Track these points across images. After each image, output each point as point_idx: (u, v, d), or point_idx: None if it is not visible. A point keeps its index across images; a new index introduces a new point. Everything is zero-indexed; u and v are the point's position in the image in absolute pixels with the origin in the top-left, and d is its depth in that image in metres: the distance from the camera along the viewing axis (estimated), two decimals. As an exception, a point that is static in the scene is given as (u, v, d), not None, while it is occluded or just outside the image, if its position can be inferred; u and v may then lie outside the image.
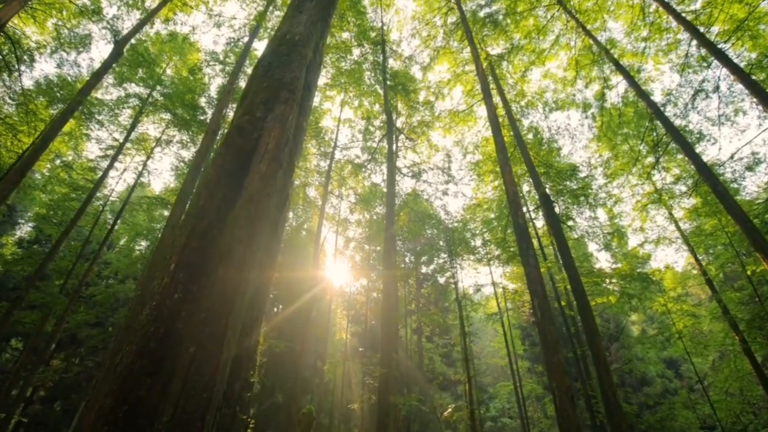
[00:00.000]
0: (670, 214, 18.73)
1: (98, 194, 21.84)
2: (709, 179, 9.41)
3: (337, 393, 24.62)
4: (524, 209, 14.79)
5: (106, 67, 9.55)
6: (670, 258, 60.86)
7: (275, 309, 26.47)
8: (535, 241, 18.42)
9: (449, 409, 19.75)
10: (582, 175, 19.14)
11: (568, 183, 17.53)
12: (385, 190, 17.74)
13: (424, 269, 28.43)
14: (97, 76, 9.47)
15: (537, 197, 19.84)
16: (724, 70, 14.04)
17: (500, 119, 13.77)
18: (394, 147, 15.55)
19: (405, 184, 23.31)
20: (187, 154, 21.26)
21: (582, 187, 17.03)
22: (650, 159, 18.87)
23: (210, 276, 1.88)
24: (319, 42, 3.59)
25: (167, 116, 19.75)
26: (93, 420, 1.47)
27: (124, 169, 22.03)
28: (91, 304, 21.84)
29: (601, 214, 23.56)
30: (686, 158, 18.63)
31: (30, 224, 27.08)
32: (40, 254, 19.46)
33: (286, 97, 2.65)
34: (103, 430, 1.41)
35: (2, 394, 15.85)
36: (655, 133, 15.01)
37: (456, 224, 22.60)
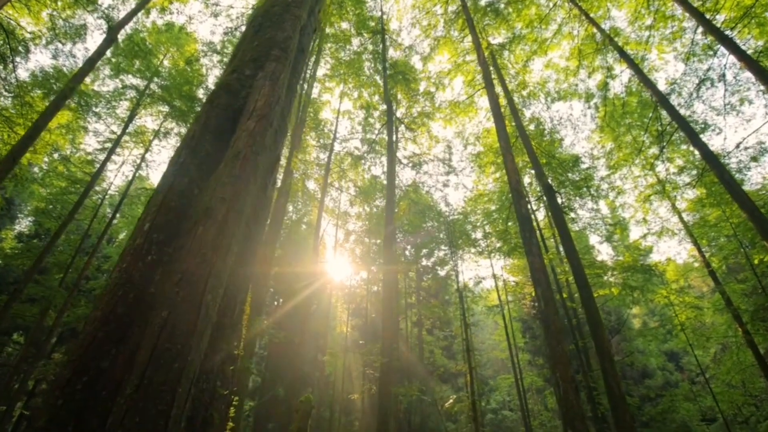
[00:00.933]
0: (673, 205, 18.55)
1: (97, 188, 21.70)
2: (716, 167, 9.22)
3: (338, 386, 24.63)
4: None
5: (99, 53, 9.36)
6: (673, 251, 60.69)
7: (275, 303, 26.41)
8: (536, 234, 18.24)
9: (451, 400, 19.73)
10: (584, 166, 18.96)
11: (570, 174, 17.35)
12: (385, 182, 17.57)
13: (424, 262, 28.33)
14: (90, 62, 9.29)
15: (538, 190, 19.69)
16: (731, 58, 13.77)
17: (502, 109, 13.55)
18: (394, 137, 15.35)
19: (405, 176, 23.16)
20: (186, 147, 21.03)
21: (584, 178, 16.85)
22: (653, 150, 18.66)
23: (188, 236, 1.69)
24: (315, 7, 3.40)
25: (165, 108, 19.54)
26: (47, 393, 1.32)
27: (123, 162, 21.87)
28: (91, 297, 21.78)
29: (603, 208, 23.41)
30: (690, 149, 18.45)
31: (29, 218, 27.00)
32: (39, 248, 19.35)
33: (277, 56, 2.44)
34: (57, 405, 1.25)
35: (3, 388, 15.84)
36: (659, 123, 14.78)
37: (457, 216, 22.45)
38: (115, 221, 20.94)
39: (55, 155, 21.45)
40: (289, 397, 17.35)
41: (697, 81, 16.05)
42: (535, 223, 18.79)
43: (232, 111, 2.22)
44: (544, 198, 18.28)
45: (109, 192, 23.03)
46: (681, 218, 18.33)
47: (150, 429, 1.23)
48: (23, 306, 17.96)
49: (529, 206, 18.77)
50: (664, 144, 14.89)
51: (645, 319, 32.42)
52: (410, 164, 19.42)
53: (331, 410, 23.01)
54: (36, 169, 22.73)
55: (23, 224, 27.87)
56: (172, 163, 2.02)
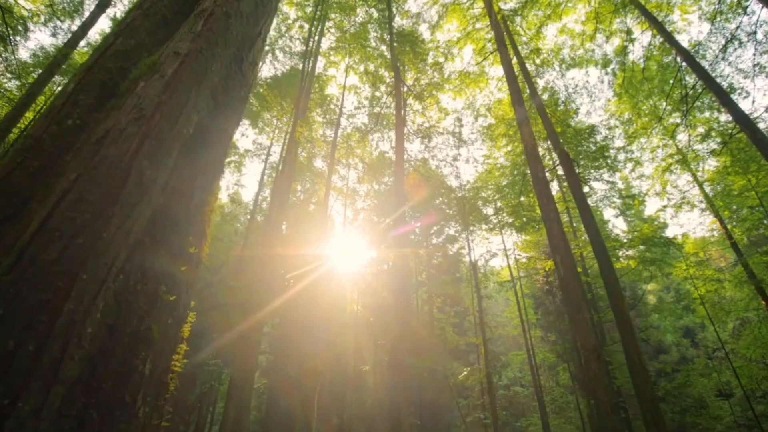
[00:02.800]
0: (694, 176, 17.81)
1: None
2: (748, 128, 8.60)
3: (349, 365, 24.81)
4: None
5: (93, 17, 9.02)
6: (691, 224, 59.07)
7: (285, 283, 26.45)
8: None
9: (464, 373, 19.72)
10: (600, 137, 18.24)
11: (585, 144, 16.71)
12: (393, 157, 17.11)
13: (434, 240, 28.01)
14: (83, 27, 8.95)
15: (550, 162, 19.01)
16: (764, 13, 12.83)
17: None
18: (401, 107, 14.80)
19: (414, 150, 22.55)
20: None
21: (600, 148, 16.17)
22: (673, 120, 17.84)
23: (125, 95, 1.32)
24: None
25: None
26: None
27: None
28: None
29: (618, 182, 22.67)
30: (714, 115, 17.55)
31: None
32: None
33: None
34: None
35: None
36: (682, 87, 13.97)
37: (468, 192, 21.95)
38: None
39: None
40: (301, 376, 17.47)
41: (723, 41, 15.10)
42: (548, 197, 18.21)
43: (198, -20, 1.84)
44: (557, 170, 17.67)
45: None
46: (702, 188, 17.61)
47: (22, 328, 0.87)
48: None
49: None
50: (687, 109, 14.09)
51: (661, 294, 31.92)
52: (419, 136, 18.86)
53: (343, 388, 23.24)
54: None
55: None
56: (115, 25, 1.67)
